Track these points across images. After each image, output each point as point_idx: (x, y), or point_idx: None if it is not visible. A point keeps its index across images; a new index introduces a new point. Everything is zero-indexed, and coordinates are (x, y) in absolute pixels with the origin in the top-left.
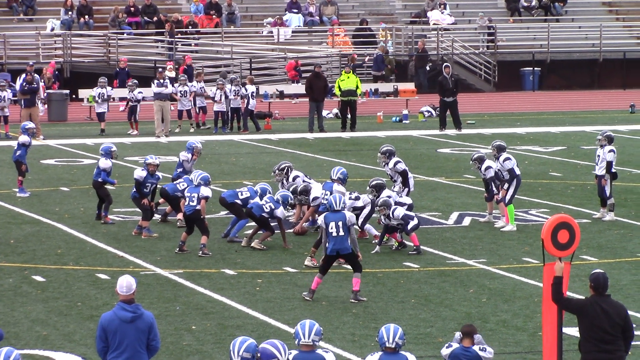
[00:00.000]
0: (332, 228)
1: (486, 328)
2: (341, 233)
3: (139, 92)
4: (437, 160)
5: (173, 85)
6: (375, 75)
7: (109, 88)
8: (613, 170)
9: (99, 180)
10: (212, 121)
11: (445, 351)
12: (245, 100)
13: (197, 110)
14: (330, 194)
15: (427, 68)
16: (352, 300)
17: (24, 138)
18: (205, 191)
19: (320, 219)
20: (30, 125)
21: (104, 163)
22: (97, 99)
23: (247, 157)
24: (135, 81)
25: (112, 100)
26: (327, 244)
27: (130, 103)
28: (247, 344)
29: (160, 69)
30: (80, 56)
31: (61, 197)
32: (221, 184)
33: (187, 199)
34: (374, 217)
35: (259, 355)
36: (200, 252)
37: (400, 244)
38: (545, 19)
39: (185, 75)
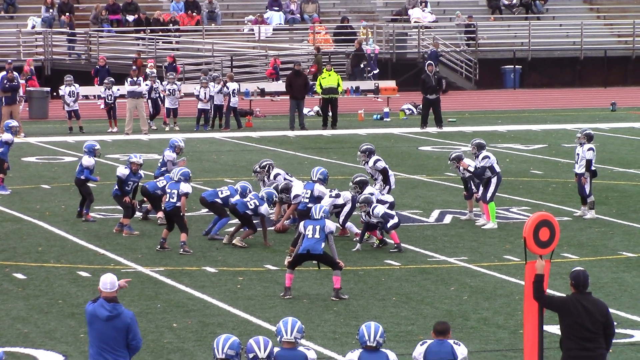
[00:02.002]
0: (309, 231)
1: (467, 326)
2: (317, 236)
3: (117, 90)
4: (419, 158)
5: (161, 84)
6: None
7: (76, 85)
8: (593, 169)
9: (82, 177)
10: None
11: (419, 349)
12: (227, 98)
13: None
14: (312, 193)
15: (362, 66)
16: (334, 298)
17: (7, 136)
18: (186, 187)
19: (301, 226)
20: (14, 123)
21: (87, 161)
22: (66, 97)
23: (228, 155)
24: (112, 79)
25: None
26: (300, 245)
27: (107, 101)
28: (231, 342)
29: (133, 67)
30: (61, 54)
31: (42, 195)
32: (202, 181)
33: (168, 195)
34: (356, 216)
35: (244, 351)
36: (181, 250)
37: (381, 242)
38: (526, 17)
39: (174, 73)
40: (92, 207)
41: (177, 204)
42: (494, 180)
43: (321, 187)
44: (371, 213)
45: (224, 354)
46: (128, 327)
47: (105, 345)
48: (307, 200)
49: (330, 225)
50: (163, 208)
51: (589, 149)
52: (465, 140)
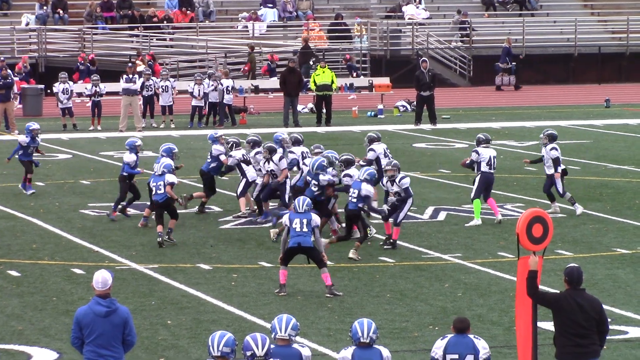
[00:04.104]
0: (295, 224)
1: None
2: (305, 229)
3: (104, 87)
4: (413, 155)
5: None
6: (505, 68)
7: (70, 83)
8: (562, 167)
9: (124, 174)
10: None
11: (439, 343)
12: (221, 95)
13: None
14: (359, 193)
15: (310, 63)
16: (328, 295)
17: (20, 137)
18: (171, 178)
19: (285, 218)
20: (35, 126)
21: (128, 157)
22: (60, 95)
23: None
24: (98, 76)
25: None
26: (288, 239)
27: (93, 98)
28: (226, 339)
29: (129, 64)
30: (55, 51)
31: (36, 192)
32: (196, 178)
33: (154, 188)
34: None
35: (239, 348)
36: (167, 237)
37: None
38: (520, 13)
39: (167, 70)
40: (86, 205)
41: (167, 195)
42: (477, 179)
43: (368, 187)
44: (397, 181)
45: (219, 351)
46: (125, 322)
47: (101, 342)
48: (355, 201)
49: (316, 218)
50: (154, 201)
51: (552, 149)
52: (459, 137)
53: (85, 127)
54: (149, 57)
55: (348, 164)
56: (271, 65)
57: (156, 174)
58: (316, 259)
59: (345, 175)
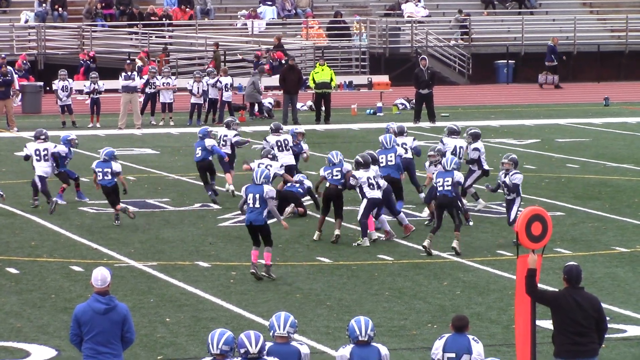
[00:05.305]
0: (250, 199)
1: None
2: (257, 205)
3: (103, 84)
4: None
5: (140, 78)
6: (550, 65)
7: (70, 80)
8: (485, 168)
9: (209, 158)
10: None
11: (437, 343)
12: (221, 93)
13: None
14: (452, 180)
15: (282, 61)
16: (263, 274)
17: (59, 147)
18: (117, 167)
19: (243, 190)
20: (73, 137)
21: (210, 141)
22: (60, 92)
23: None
24: (97, 73)
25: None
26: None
27: (92, 96)
28: (226, 337)
29: (128, 61)
30: (54, 48)
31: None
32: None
33: (100, 174)
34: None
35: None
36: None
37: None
38: (519, 11)
39: (168, 68)
40: (87, 203)
41: (115, 181)
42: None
43: (460, 174)
44: (509, 175)
45: (219, 349)
46: (124, 319)
47: (101, 340)
48: (449, 189)
49: (269, 190)
50: (102, 186)
51: (474, 149)
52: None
53: (85, 125)
54: (144, 54)
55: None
56: (273, 64)
57: (100, 160)
58: (265, 236)
59: (438, 152)
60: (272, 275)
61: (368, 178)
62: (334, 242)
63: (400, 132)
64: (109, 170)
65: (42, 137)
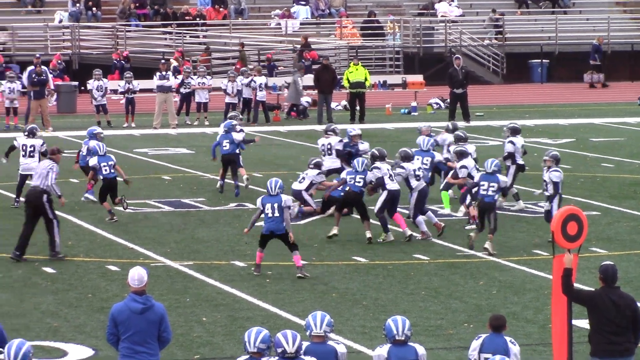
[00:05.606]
0: (268, 209)
1: None
2: (276, 214)
3: (137, 84)
4: None
5: (175, 77)
6: (595, 64)
7: (105, 80)
8: (519, 162)
9: (237, 152)
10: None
11: (474, 344)
12: (255, 92)
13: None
14: (498, 185)
15: (299, 62)
16: (299, 275)
17: (92, 143)
18: (92, 161)
19: (258, 201)
20: (98, 130)
21: (239, 136)
22: (94, 92)
23: (255, 149)
24: (131, 73)
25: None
26: (263, 224)
27: (127, 95)
28: (263, 335)
29: (162, 61)
30: (88, 48)
31: (71, 189)
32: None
33: (106, 168)
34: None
35: (273, 345)
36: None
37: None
38: (553, 10)
39: (203, 68)
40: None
41: (116, 174)
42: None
43: (504, 177)
44: (549, 172)
45: (256, 347)
46: (161, 319)
47: (138, 339)
48: (493, 193)
49: (287, 199)
50: (104, 178)
51: (509, 142)
52: (493, 135)
53: (119, 124)
54: (179, 54)
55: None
56: (305, 63)
57: (99, 154)
58: (288, 244)
59: (373, 168)
60: (306, 274)
61: (387, 169)
62: (369, 243)
63: (407, 158)
64: (112, 163)
65: (32, 133)
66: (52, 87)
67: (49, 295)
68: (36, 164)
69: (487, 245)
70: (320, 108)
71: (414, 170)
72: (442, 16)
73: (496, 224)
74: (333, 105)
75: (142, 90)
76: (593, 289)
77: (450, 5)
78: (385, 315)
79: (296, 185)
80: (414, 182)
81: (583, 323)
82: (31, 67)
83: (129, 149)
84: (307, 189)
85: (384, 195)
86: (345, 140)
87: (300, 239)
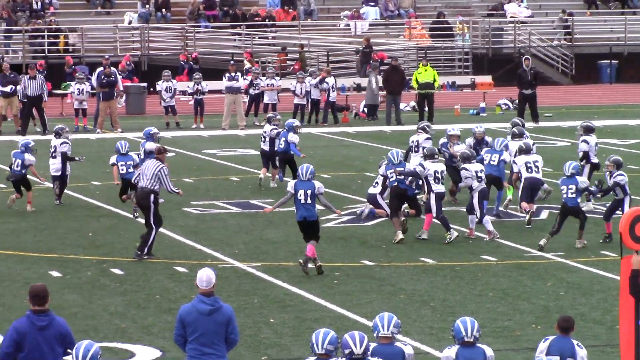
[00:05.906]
0: (300, 195)
1: None
2: (309, 201)
3: (206, 85)
4: None
5: (244, 79)
6: None
7: (174, 81)
8: (594, 161)
9: (291, 152)
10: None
11: (542, 346)
12: (326, 93)
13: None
14: (576, 188)
15: (370, 62)
16: (311, 265)
17: (150, 145)
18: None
19: (290, 185)
20: (155, 131)
21: (293, 137)
22: (163, 93)
23: (324, 150)
24: (200, 74)
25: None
26: (295, 211)
27: (195, 96)
28: (330, 336)
29: (231, 62)
30: (157, 49)
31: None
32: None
33: (124, 167)
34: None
35: (340, 346)
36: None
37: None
38: (622, 11)
39: (272, 69)
40: (189, 203)
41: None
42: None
43: (583, 178)
44: (613, 176)
45: (324, 349)
46: (229, 320)
47: (205, 340)
48: (573, 196)
49: (320, 186)
50: (124, 179)
51: (583, 141)
52: (562, 135)
53: (188, 125)
54: (248, 55)
55: (465, 159)
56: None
57: (121, 152)
58: (315, 232)
59: (462, 169)
60: (319, 263)
61: (435, 171)
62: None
63: (467, 159)
64: (132, 163)
65: (57, 134)
66: (121, 88)
67: (117, 297)
68: (58, 165)
69: (578, 244)
70: (388, 109)
71: (435, 172)
72: (511, 17)
73: (584, 224)
74: (402, 106)
75: (210, 92)
76: None
77: (519, 6)
78: (453, 317)
79: (371, 190)
80: (432, 182)
81: None
82: (100, 69)
83: (198, 150)
84: (381, 193)
85: (432, 198)
86: (443, 140)
87: (369, 240)
